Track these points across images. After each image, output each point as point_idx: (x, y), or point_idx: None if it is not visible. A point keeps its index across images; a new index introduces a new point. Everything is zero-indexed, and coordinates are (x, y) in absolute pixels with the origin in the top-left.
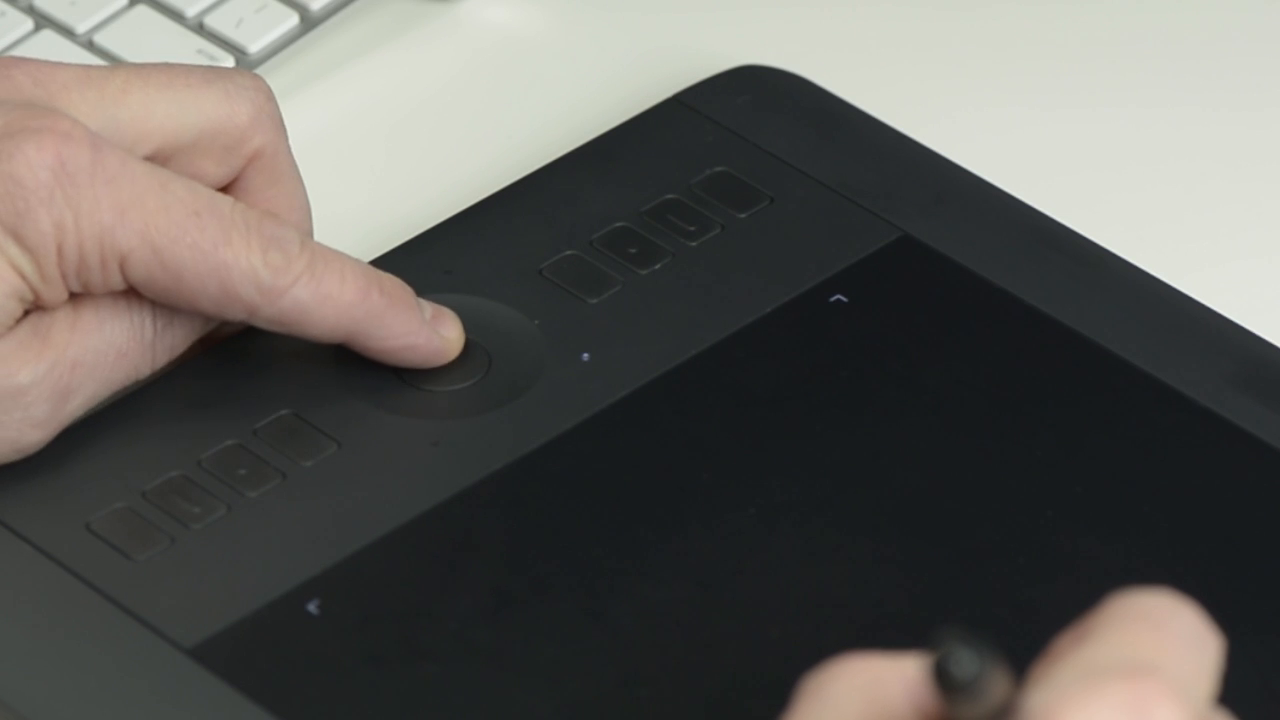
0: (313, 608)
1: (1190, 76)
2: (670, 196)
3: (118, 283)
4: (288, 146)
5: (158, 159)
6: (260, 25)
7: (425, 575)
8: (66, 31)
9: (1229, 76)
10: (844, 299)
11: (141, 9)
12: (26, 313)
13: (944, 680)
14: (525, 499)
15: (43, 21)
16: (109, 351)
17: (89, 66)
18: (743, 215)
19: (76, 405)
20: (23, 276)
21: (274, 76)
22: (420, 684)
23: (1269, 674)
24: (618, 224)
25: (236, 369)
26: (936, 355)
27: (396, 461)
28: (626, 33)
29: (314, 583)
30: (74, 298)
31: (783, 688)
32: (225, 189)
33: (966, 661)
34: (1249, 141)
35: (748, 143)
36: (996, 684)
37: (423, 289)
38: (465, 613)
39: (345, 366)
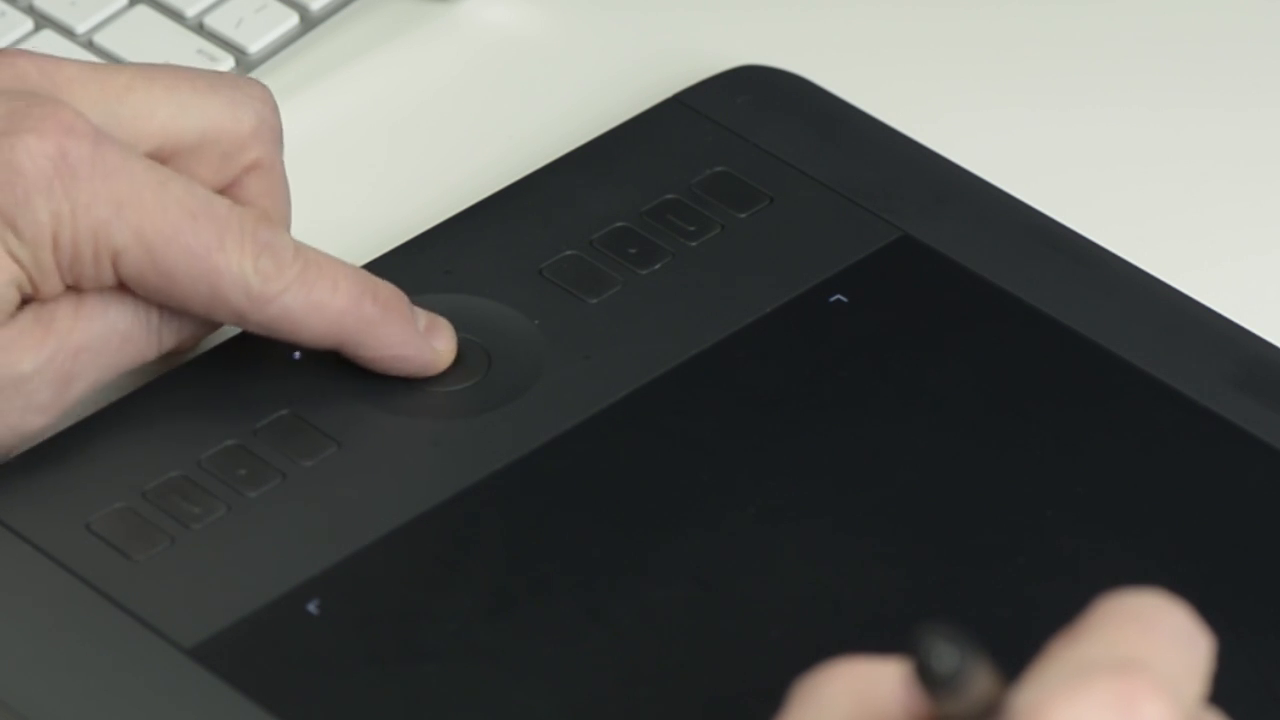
0: (313, 608)
1: (1190, 76)
2: (670, 196)
3: (109, 278)
4: (283, 161)
5: (156, 159)
6: (260, 25)
7: (425, 575)
8: (66, 31)
9: (1229, 76)
10: (844, 299)
11: (141, 9)
12: (25, 301)
13: (925, 676)
14: (525, 499)
15: (43, 21)
16: (112, 337)
17: (96, 63)
18: (743, 215)
19: (80, 390)
20: (20, 264)
21: (274, 76)
22: (420, 684)
23: (1268, 674)
24: (618, 224)
25: (236, 369)
26: (936, 355)
27: (396, 461)
28: (626, 33)
29: (314, 583)
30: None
31: (782, 688)
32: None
33: (947, 657)
34: (1249, 141)
35: (748, 143)
36: (980, 680)
37: (423, 289)
38: (465, 613)
39: (345, 366)
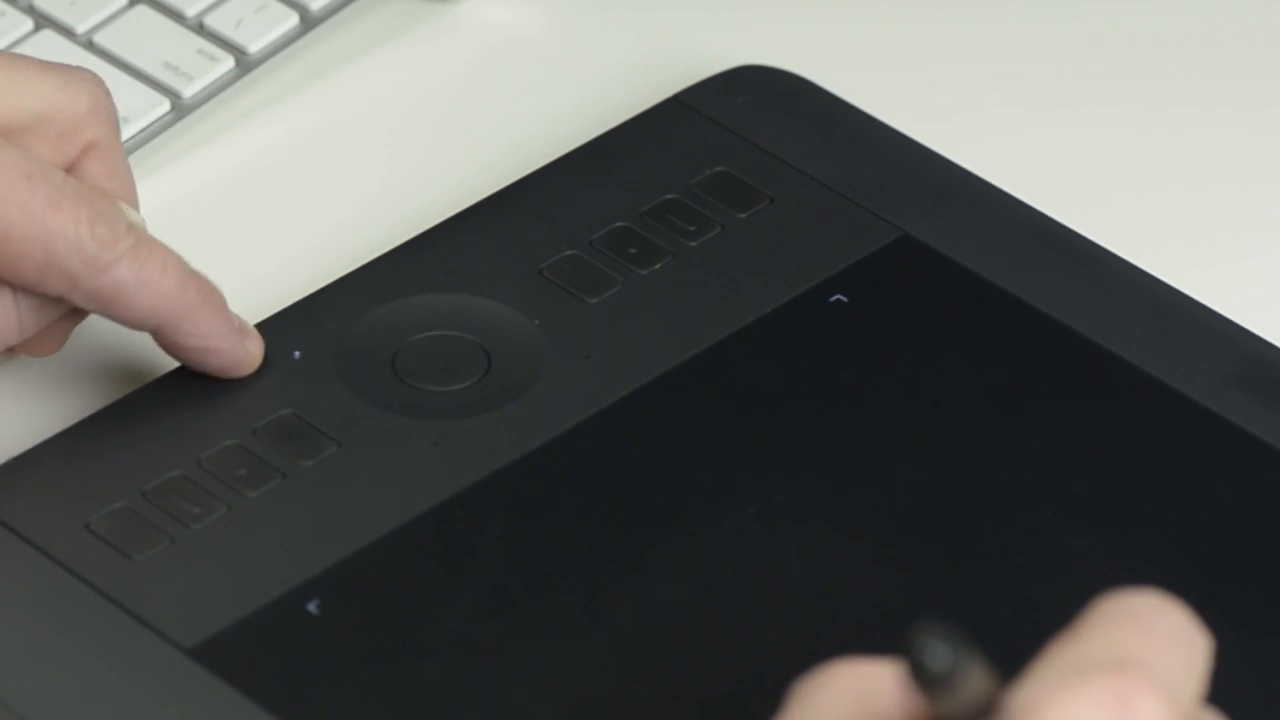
0: (313, 608)
1: (1190, 76)
2: (670, 196)
3: None
4: (121, 144)
5: None
6: (260, 25)
7: (425, 575)
8: (66, 31)
9: (1229, 76)
10: (844, 299)
11: (141, 9)
12: None
13: (920, 674)
14: (525, 499)
15: (43, 21)
16: None
17: None
18: (743, 215)
19: None
20: None
21: (274, 76)
22: (420, 684)
23: (1268, 674)
24: (618, 224)
25: None
26: (936, 355)
27: (396, 461)
28: (626, 33)
29: (314, 583)
30: None
31: (782, 688)
32: None
33: (940, 655)
34: (1249, 141)
35: (748, 143)
36: (975, 678)
37: (423, 289)
38: (465, 613)
39: (345, 366)
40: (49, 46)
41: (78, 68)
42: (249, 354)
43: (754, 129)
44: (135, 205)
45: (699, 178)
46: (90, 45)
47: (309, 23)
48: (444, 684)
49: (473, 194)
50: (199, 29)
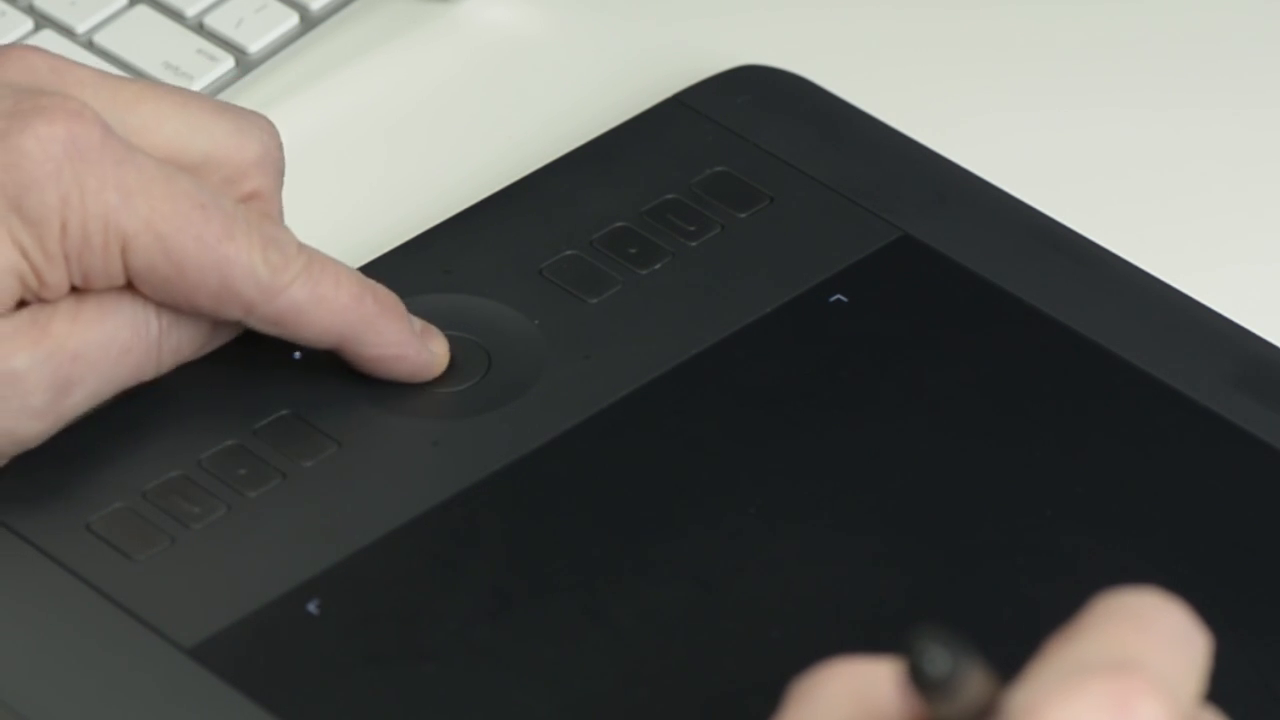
0: (313, 608)
1: (1190, 77)
2: (670, 196)
3: (118, 271)
4: (281, 196)
5: None
6: (260, 25)
7: (425, 575)
8: (67, 31)
9: (1229, 77)
10: (844, 299)
11: (141, 9)
12: (25, 302)
13: (919, 679)
14: (525, 499)
15: (43, 21)
16: (111, 347)
17: (107, 72)
18: (743, 215)
19: (78, 400)
20: (24, 253)
21: (274, 76)
22: (420, 684)
23: (1268, 674)
24: (618, 224)
25: (236, 369)
26: (936, 355)
27: (396, 461)
28: (626, 33)
29: (314, 583)
30: (76, 292)
31: (783, 688)
32: None
33: (940, 660)
34: (1249, 142)
35: (748, 143)
36: (974, 682)
37: (422, 289)
38: (465, 613)
39: (345, 366)
40: (48, 46)
41: (254, 113)
42: (434, 356)
43: (754, 129)
44: None
45: (699, 178)
46: (90, 45)
47: (309, 23)
48: (444, 684)
49: (472, 194)
50: (199, 29)
